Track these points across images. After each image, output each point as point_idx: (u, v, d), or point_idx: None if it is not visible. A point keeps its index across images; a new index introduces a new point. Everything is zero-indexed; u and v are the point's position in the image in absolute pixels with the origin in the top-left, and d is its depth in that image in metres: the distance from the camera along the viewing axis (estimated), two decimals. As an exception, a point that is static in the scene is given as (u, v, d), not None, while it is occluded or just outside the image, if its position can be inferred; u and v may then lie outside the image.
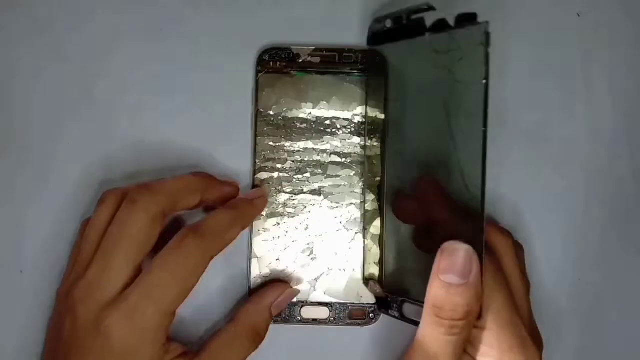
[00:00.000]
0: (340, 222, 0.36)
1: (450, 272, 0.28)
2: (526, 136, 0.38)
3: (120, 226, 0.31)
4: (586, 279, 0.38)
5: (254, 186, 0.36)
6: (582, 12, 0.38)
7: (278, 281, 0.36)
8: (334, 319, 0.36)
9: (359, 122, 0.37)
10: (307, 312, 0.36)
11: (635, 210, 0.38)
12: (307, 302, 0.36)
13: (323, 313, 0.36)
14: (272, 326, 0.35)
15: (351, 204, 0.36)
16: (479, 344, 0.31)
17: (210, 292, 0.37)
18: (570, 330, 0.38)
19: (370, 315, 0.36)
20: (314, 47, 0.37)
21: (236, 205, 0.34)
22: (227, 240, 0.32)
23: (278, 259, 0.36)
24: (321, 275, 0.36)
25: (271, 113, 0.36)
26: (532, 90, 0.38)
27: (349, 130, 0.37)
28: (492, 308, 0.30)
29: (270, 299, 0.34)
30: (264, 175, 0.36)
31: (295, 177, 0.36)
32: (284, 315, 0.36)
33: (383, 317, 0.36)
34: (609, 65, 0.38)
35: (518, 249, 0.35)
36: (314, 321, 0.36)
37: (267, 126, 0.36)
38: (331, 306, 0.36)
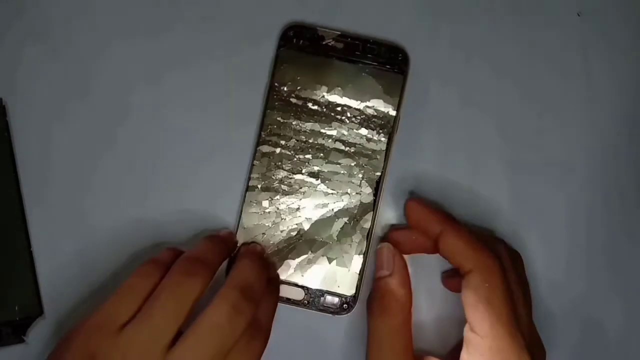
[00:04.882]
0: (332, 209, 0.36)
1: (380, 268, 0.35)
2: (526, 137, 0.38)
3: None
4: (589, 284, 0.38)
5: (254, 157, 0.36)
6: (582, 12, 0.38)
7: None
8: (308, 302, 0.36)
9: (369, 114, 0.36)
10: (283, 291, 0.36)
11: (638, 211, 0.38)
12: (284, 280, 0.36)
13: (298, 294, 0.36)
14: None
15: (346, 193, 0.36)
16: (474, 351, 0.31)
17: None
18: (572, 338, 0.37)
19: (344, 305, 0.36)
20: (339, 33, 0.37)
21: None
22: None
23: (264, 233, 0.36)
24: (303, 257, 0.36)
25: (285, 89, 0.36)
26: (532, 91, 0.38)
27: (358, 121, 0.36)
28: (489, 318, 0.31)
29: None
30: (265, 148, 0.36)
31: (296, 156, 0.36)
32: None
33: (357, 309, 0.36)
34: (609, 65, 0.38)
35: (515, 257, 0.35)
36: (288, 300, 0.36)
37: (279, 101, 0.36)
38: (307, 290, 0.36)
